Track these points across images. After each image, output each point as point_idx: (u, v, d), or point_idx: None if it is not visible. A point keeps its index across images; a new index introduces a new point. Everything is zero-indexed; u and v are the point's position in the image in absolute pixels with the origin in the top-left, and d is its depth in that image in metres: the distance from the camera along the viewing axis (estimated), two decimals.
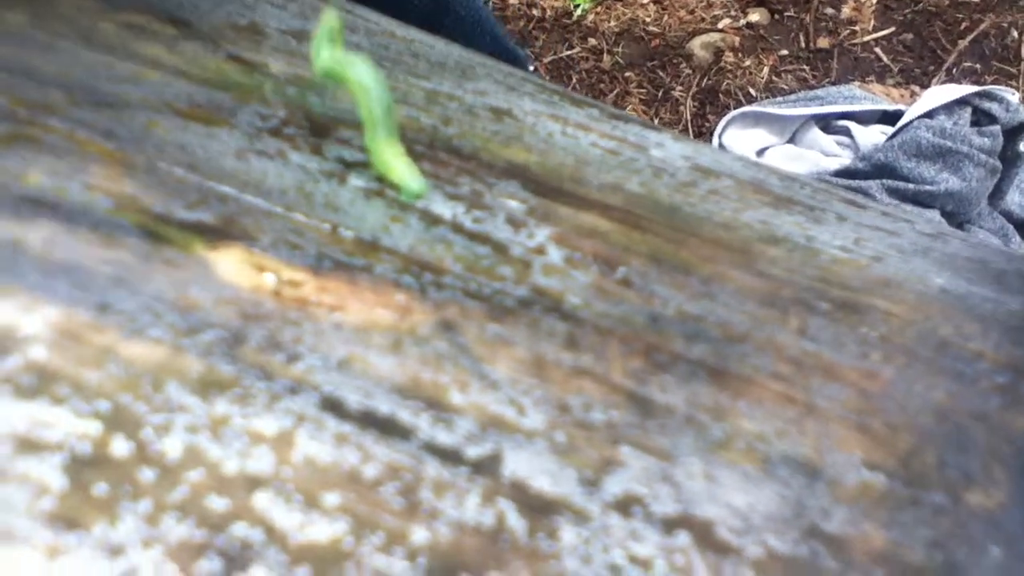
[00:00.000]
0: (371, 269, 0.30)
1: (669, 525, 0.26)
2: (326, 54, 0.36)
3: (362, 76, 0.34)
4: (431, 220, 0.33)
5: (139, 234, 0.30)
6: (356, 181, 0.35)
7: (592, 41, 1.74)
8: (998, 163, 1.42)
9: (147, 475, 0.25)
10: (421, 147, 0.37)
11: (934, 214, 1.45)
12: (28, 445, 0.25)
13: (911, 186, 1.44)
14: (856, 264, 0.35)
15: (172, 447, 0.26)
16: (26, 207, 0.30)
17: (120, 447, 0.25)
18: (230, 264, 0.30)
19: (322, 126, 0.37)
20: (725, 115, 1.63)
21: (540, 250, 0.33)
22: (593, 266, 0.33)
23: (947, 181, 1.42)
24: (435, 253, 0.32)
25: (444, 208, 0.34)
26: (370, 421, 0.26)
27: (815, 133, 1.58)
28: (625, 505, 0.26)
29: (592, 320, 0.30)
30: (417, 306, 0.29)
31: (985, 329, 0.33)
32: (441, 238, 0.33)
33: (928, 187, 1.44)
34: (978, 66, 1.58)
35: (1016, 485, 0.28)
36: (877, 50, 1.63)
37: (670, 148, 0.42)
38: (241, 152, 0.35)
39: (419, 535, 0.24)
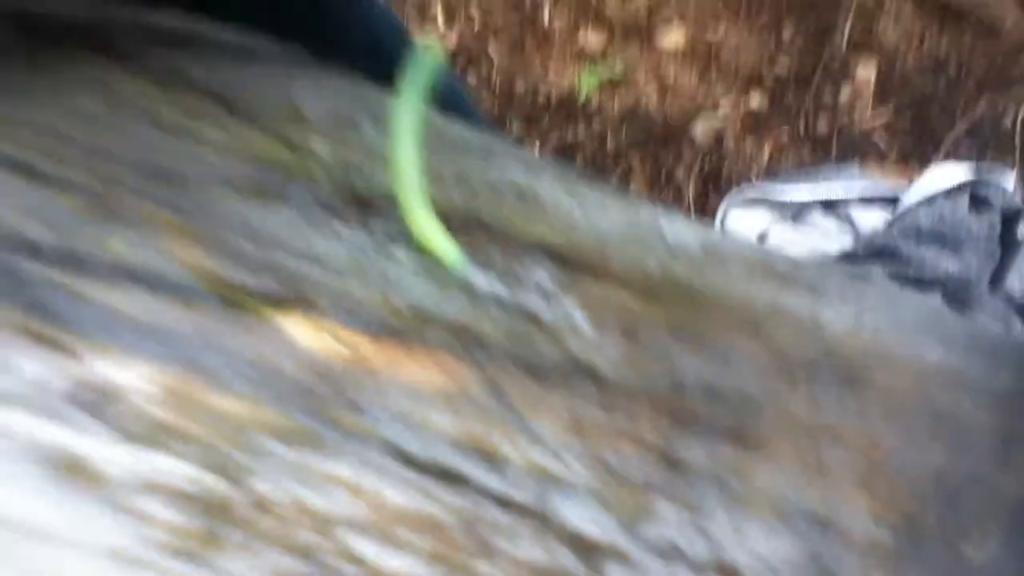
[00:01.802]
0: (422, 336, 0.34)
1: (703, 569, 0.30)
2: (407, 101, 0.40)
3: (404, 157, 0.39)
4: (471, 292, 0.38)
5: (215, 299, 0.34)
6: (402, 254, 0.39)
7: (596, 124, 1.80)
8: (997, 247, 1.47)
9: (246, 512, 0.29)
10: (457, 223, 0.41)
11: (935, 297, 1.49)
12: (146, 486, 0.29)
13: (912, 270, 1.49)
14: (858, 339, 0.40)
15: (265, 488, 0.29)
16: (114, 272, 0.34)
17: (220, 487, 0.29)
18: (297, 327, 0.34)
19: (367, 202, 0.42)
20: (727, 196, 1.69)
21: (569, 320, 0.37)
22: (617, 334, 0.37)
23: (947, 264, 1.47)
24: (476, 322, 0.36)
25: (482, 280, 0.38)
26: (431, 469, 0.30)
27: (816, 216, 1.63)
28: (663, 550, 0.30)
29: (622, 384, 0.34)
30: (467, 370, 0.33)
31: (978, 399, 0.37)
32: (482, 308, 0.37)
33: (928, 271, 1.49)
34: (975, 151, 1.64)
35: (1008, 539, 0.32)
36: (876, 134, 1.69)
37: (681, 230, 0.46)
38: (298, 227, 0.39)
39: (483, 569, 0.28)
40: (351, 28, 0.81)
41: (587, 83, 1.81)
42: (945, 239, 1.47)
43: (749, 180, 1.71)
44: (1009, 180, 1.45)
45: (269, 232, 0.38)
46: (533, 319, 0.37)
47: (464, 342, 0.34)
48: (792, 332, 0.39)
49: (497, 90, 1.86)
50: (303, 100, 0.50)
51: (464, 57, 1.93)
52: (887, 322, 0.40)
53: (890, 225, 1.52)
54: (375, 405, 0.31)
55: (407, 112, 0.40)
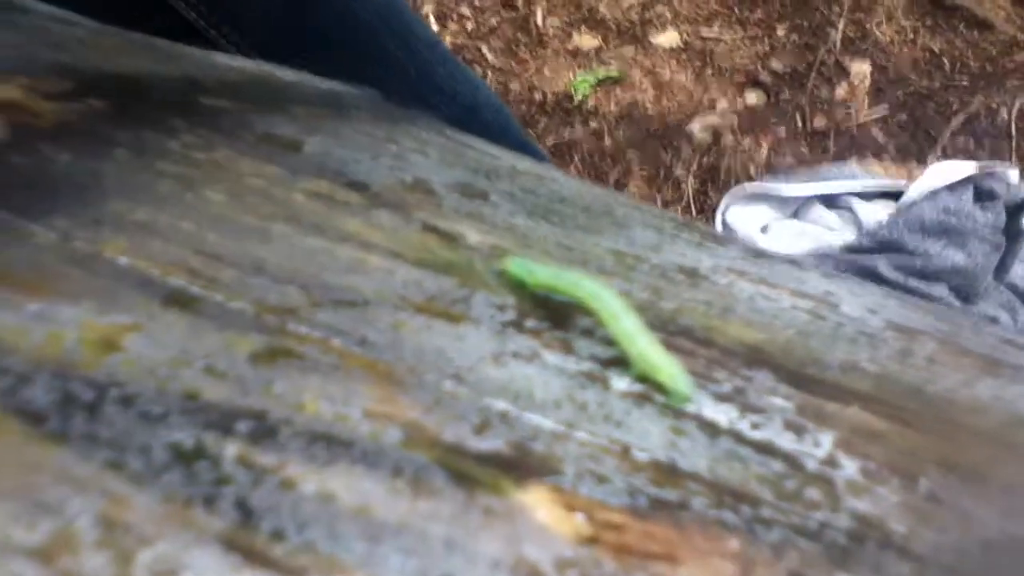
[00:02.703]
0: (687, 505, 0.27)
1: None
2: (542, 273, 0.33)
3: (590, 289, 0.33)
4: (711, 430, 0.30)
5: (444, 476, 0.26)
6: (618, 384, 0.31)
7: (593, 124, 1.73)
8: (1002, 239, 1.42)
9: None
10: (658, 332, 0.34)
11: (942, 288, 1.44)
12: None
13: (917, 262, 1.44)
14: None
15: None
16: (318, 447, 0.26)
17: None
18: (545, 509, 0.26)
19: (559, 315, 0.34)
20: (726, 192, 1.62)
21: (833, 462, 0.30)
22: (893, 480, 0.29)
23: (953, 257, 1.42)
24: (736, 475, 0.28)
25: (717, 413, 0.31)
26: None
27: (818, 209, 1.57)
28: None
29: (932, 557, 0.27)
30: (755, 553, 0.26)
31: None
32: (732, 454, 0.29)
33: (934, 263, 1.44)
34: (971, 145, 1.59)
35: None
36: (873, 130, 1.64)
37: (846, 300, 0.39)
38: (497, 356, 0.31)
39: None
40: (395, 62, 0.73)
41: (583, 83, 1.74)
42: (950, 232, 1.42)
43: (748, 177, 1.65)
44: (1014, 172, 1.40)
45: (473, 369, 0.30)
46: (793, 465, 0.29)
47: (735, 510, 0.27)
48: None
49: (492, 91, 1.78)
50: (425, 171, 0.42)
51: (458, 58, 1.84)
52: None
53: (894, 218, 1.47)
54: None
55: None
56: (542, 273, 0.34)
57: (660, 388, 0.31)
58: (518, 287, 0.34)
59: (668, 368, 0.31)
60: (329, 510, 0.25)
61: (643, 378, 0.31)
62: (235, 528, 0.24)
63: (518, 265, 0.34)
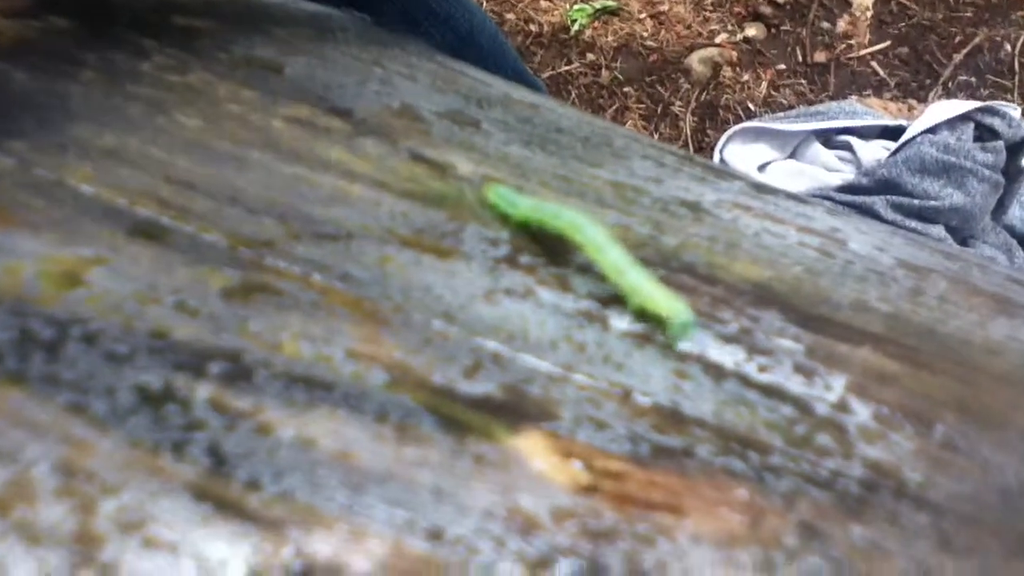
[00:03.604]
0: (692, 452, 0.25)
1: None
2: (524, 204, 0.31)
3: (571, 220, 0.31)
4: (716, 372, 0.28)
5: (433, 421, 0.24)
6: (618, 323, 0.30)
7: (590, 56, 1.70)
8: (1001, 178, 1.40)
9: None
10: (659, 268, 0.32)
11: (939, 229, 1.43)
12: None
13: (916, 202, 1.42)
14: None
15: None
16: (297, 390, 0.24)
17: None
18: (540, 456, 0.24)
19: (555, 250, 0.32)
20: (724, 130, 1.60)
21: (844, 407, 0.28)
22: (907, 425, 0.28)
23: (951, 196, 1.40)
24: (743, 420, 0.27)
25: (723, 355, 0.29)
26: None
27: (816, 148, 1.55)
28: None
29: (949, 506, 0.25)
30: (765, 503, 0.24)
31: None
32: (738, 397, 0.28)
33: (932, 202, 1.42)
34: (973, 80, 1.56)
35: None
36: (874, 64, 1.61)
37: (853, 237, 0.37)
38: (490, 293, 0.29)
39: None
40: None
41: (579, 14, 1.70)
42: (949, 170, 1.40)
43: (747, 113, 1.62)
44: (1015, 110, 1.37)
45: (464, 307, 0.28)
46: (803, 409, 0.28)
47: (743, 457, 0.25)
48: None
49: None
50: (413, 97, 0.40)
51: None
52: None
53: (893, 156, 1.45)
54: (674, 575, 0.22)
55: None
56: (524, 205, 0.32)
57: (658, 322, 0.29)
58: (502, 219, 0.32)
59: (664, 300, 0.29)
60: (308, 457, 0.23)
61: (640, 312, 0.29)
62: (206, 476, 0.22)
63: (500, 195, 0.32)
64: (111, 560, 0.20)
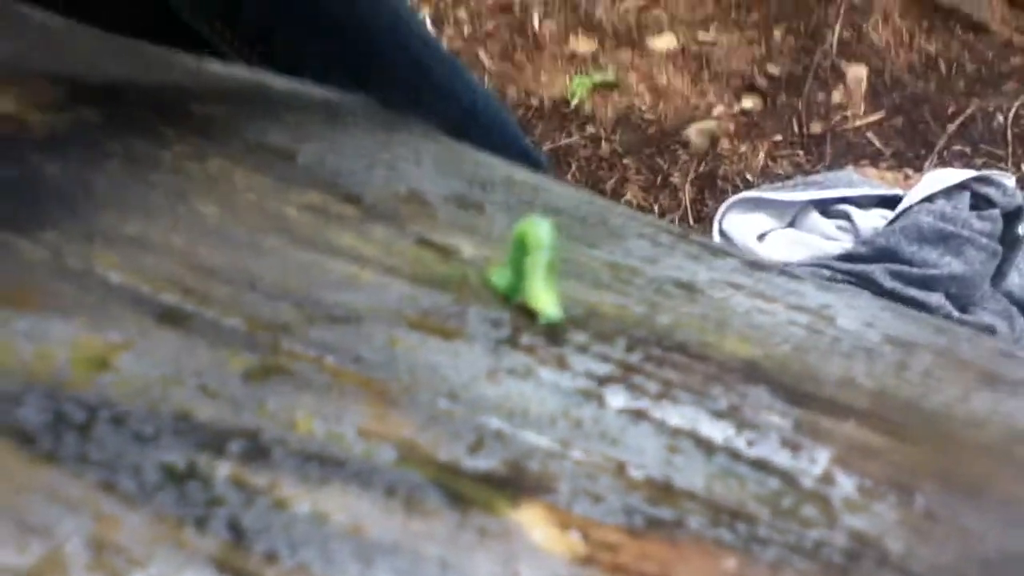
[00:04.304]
0: (683, 523, 0.27)
1: None
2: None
3: (535, 220, 0.34)
4: (707, 447, 0.30)
5: (439, 495, 0.26)
6: (614, 400, 0.31)
7: (590, 129, 1.73)
8: (999, 246, 1.43)
9: None
10: (655, 348, 0.34)
11: (939, 297, 1.45)
12: None
13: (915, 270, 1.44)
14: None
15: None
16: (312, 467, 0.26)
17: None
18: (540, 528, 0.26)
19: (553, 331, 0.34)
20: (723, 200, 1.62)
21: (829, 479, 0.30)
22: (889, 496, 0.30)
23: (950, 265, 1.43)
24: (733, 493, 0.28)
25: (713, 430, 0.31)
26: None
27: (815, 217, 1.58)
28: None
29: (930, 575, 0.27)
30: (751, 572, 0.26)
31: None
32: (728, 471, 0.29)
33: (932, 271, 1.44)
34: (968, 149, 1.59)
35: None
36: (869, 134, 1.64)
37: (843, 312, 0.39)
38: (492, 373, 0.31)
39: None
40: (394, 63, 0.73)
41: (579, 88, 1.74)
42: (947, 239, 1.42)
43: (745, 183, 1.65)
44: (1010, 179, 1.40)
45: (467, 386, 0.30)
46: (789, 482, 0.29)
47: (732, 528, 0.27)
48: None
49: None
50: (419, 182, 0.42)
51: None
52: None
53: (891, 225, 1.47)
54: None
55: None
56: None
57: (531, 317, 0.33)
58: (508, 297, 0.35)
59: (543, 297, 0.33)
60: (322, 531, 0.25)
61: (522, 308, 0.33)
62: (227, 549, 0.24)
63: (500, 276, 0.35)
64: None
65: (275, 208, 0.37)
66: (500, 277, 0.35)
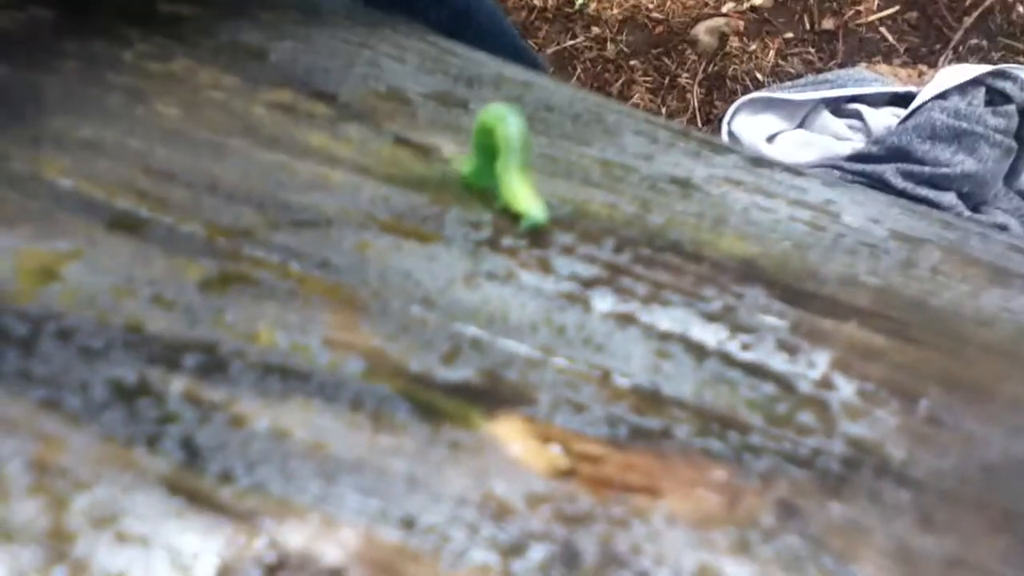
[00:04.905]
0: (670, 433, 0.25)
1: None
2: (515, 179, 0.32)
3: (503, 114, 0.32)
4: (697, 352, 0.28)
5: (409, 408, 0.24)
6: (600, 304, 0.29)
7: (595, 30, 1.68)
8: (1013, 143, 1.39)
9: None
10: (644, 247, 0.32)
11: (951, 196, 1.41)
12: None
13: (927, 169, 1.41)
14: None
15: None
16: (273, 380, 0.24)
17: None
18: (517, 441, 0.24)
19: (537, 232, 0.32)
20: (732, 101, 1.59)
21: (828, 383, 0.28)
22: (892, 401, 0.28)
23: (963, 163, 1.39)
24: (724, 400, 0.27)
25: (705, 333, 0.29)
26: None
27: (826, 117, 1.54)
28: None
29: (931, 483, 0.25)
30: (742, 483, 0.24)
31: None
32: (719, 376, 0.27)
33: (944, 169, 1.41)
34: (985, 43, 1.54)
35: None
36: (882, 30, 1.59)
37: (848, 209, 0.37)
38: (470, 277, 0.29)
39: None
40: None
41: None
42: (960, 136, 1.39)
43: (755, 83, 1.61)
44: None
45: (443, 292, 0.28)
46: (785, 387, 0.27)
47: (722, 437, 0.25)
48: None
49: None
50: (401, 79, 0.39)
51: None
52: None
53: (903, 123, 1.43)
54: (655, 563, 0.22)
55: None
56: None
57: (515, 218, 0.31)
58: (492, 198, 0.32)
59: (525, 197, 0.31)
60: (282, 448, 0.23)
61: (504, 209, 0.31)
62: (180, 469, 0.22)
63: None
64: (83, 555, 0.20)
65: (241, 108, 0.35)
66: (465, 164, 0.33)
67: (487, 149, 0.31)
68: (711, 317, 0.30)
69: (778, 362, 0.28)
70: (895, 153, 1.45)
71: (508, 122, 0.31)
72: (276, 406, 0.23)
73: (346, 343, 0.25)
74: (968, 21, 1.52)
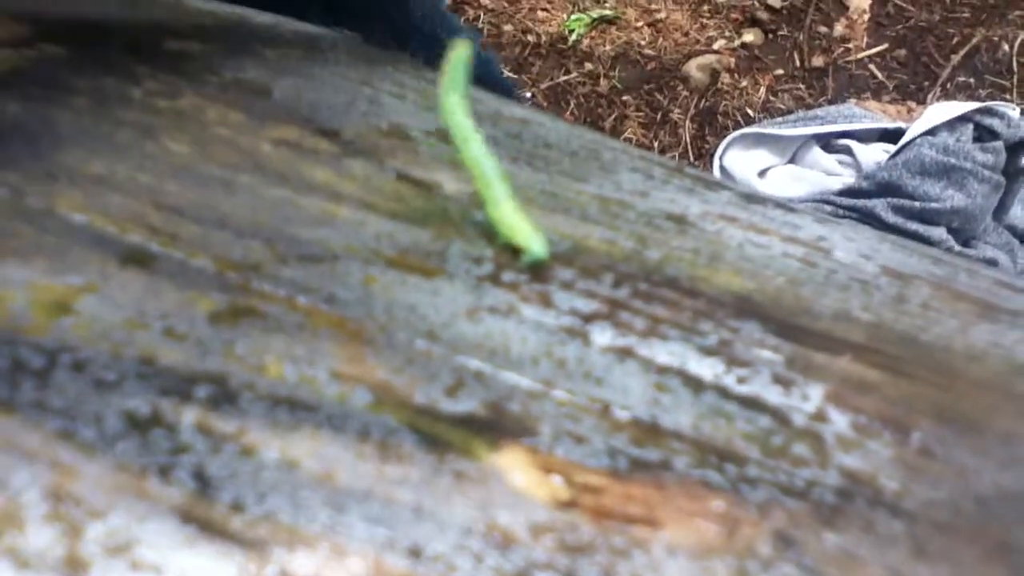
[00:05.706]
0: (669, 464, 0.26)
1: None
2: (453, 100, 0.33)
3: (473, 150, 0.33)
4: (695, 385, 0.29)
5: (414, 439, 0.25)
6: (600, 338, 0.30)
7: (588, 65, 1.70)
8: (1002, 178, 1.41)
9: None
10: (643, 284, 0.33)
11: (941, 231, 1.43)
12: None
13: (917, 204, 1.42)
14: None
15: None
16: (281, 412, 0.25)
17: None
18: (520, 471, 0.25)
19: (538, 267, 0.33)
20: (724, 136, 1.60)
21: (822, 416, 0.29)
22: (885, 433, 0.28)
23: (952, 198, 1.41)
24: (721, 432, 0.27)
25: (702, 367, 0.30)
26: None
27: (816, 152, 1.55)
28: None
29: (924, 514, 0.26)
30: (740, 514, 0.25)
31: None
32: (716, 409, 0.28)
33: (934, 204, 1.42)
34: (972, 80, 1.56)
35: None
36: (871, 67, 1.61)
37: (839, 245, 0.38)
38: (473, 311, 0.30)
39: None
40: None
41: (577, 24, 1.71)
42: (950, 172, 1.40)
43: (746, 118, 1.63)
44: (1014, 110, 1.37)
45: (447, 326, 0.29)
46: (780, 420, 0.28)
47: (720, 469, 0.26)
48: None
49: (486, 35, 1.76)
50: (402, 116, 0.40)
51: (451, 2, 1.81)
52: None
53: (893, 158, 1.45)
54: None
55: (457, 109, 0.33)
56: (452, 102, 0.33)
57: (516, 252, 0.32)
58: (493, 233, 0.33)
59: (524, 231, 0.32)
60: (291, 478, 0.24)
61: (505, 244, 0.32)
62: (192, 499, 0.23)
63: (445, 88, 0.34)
64: None
65: (248, 144, 0.35)
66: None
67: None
68: (708, 351, 0.30)
69: (773, 395, 0.29)
70: (885, 188, 1.46)
71: (484, 165, 0.33)
72: (285, 437, 0.24)
73: (353, 375, 0.26)
74: (956, 59, 1.54)
